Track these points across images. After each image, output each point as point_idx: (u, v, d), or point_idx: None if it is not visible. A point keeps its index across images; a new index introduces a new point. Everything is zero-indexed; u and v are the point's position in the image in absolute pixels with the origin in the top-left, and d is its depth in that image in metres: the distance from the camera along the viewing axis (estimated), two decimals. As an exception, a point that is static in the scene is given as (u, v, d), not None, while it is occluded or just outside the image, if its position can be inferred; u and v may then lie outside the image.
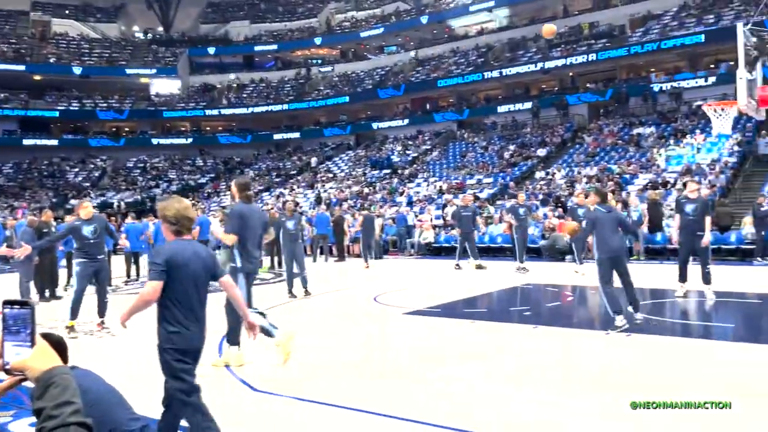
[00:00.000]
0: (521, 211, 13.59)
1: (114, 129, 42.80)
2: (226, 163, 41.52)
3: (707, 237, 8.69)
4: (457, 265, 14.14)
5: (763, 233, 13.96)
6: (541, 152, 27.12)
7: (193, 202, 33.06)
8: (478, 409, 4.55)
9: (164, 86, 44.90)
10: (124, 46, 45.87)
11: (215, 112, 42.39)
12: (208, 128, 44.46)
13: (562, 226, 15.18)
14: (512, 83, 34.43)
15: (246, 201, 6.06)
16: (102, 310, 7.99)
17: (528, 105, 31.68)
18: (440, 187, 25.94)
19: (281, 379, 5.51)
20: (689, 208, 8.71)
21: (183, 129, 44.14)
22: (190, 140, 42.32)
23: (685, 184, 18.41)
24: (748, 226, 14.93)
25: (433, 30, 41.85)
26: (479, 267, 13.91)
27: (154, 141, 41.66)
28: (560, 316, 8.78)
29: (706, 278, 8.77)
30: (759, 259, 13.94)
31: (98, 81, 41.52)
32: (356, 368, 5.89)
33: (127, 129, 43.33)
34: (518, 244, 13.47)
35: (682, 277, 8.97)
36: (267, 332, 5.51)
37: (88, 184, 37.33)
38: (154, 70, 44.06)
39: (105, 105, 41.39)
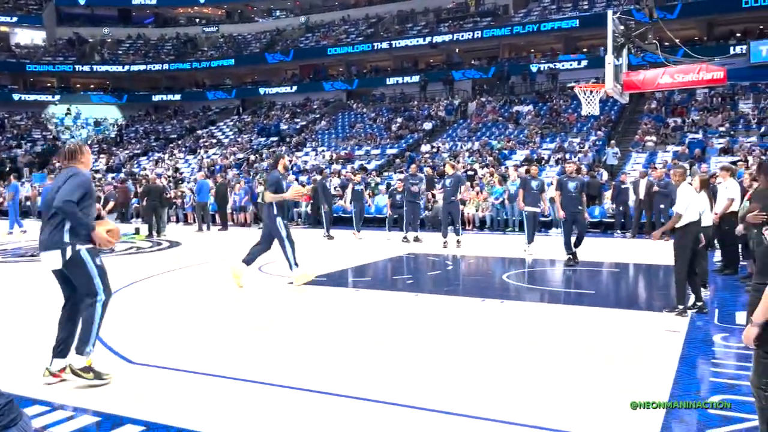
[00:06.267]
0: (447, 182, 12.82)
1: (-34, 80, 38.75)
2: (98, 124, 38.79)
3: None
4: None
5: (621, 208, 15.30)
6: (427, 126, 27.72)
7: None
8: (355, 375, 4.65)
9: (27, 37, 40.96)
10: (-21, -11, 41.33)
11: (87, 68, 39.33)
12: (78, 85, 41.20)
13: None
14: (401, 56, 34.79)
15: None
16: None
17: (416, 78, 32.22)
18: (329, 156, 25.84)
19: (159, 352, 5.32)
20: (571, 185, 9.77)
21: (49, 85, 40.62)
22: (57, 97, 39.07)
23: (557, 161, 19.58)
24: (608, 201, 16.21)
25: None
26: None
27: (16, 96, 38.06)
28: (441, 285, 9.12)
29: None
30: (619, 231, 15.22)
31: (-53, 26, 37.32)
32: (237, 338, 5.82)
33: (-19, 82, 39.26)
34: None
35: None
36: None
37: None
38: (15, 18, 40.07)
39: (-45, 54, 37.30)
